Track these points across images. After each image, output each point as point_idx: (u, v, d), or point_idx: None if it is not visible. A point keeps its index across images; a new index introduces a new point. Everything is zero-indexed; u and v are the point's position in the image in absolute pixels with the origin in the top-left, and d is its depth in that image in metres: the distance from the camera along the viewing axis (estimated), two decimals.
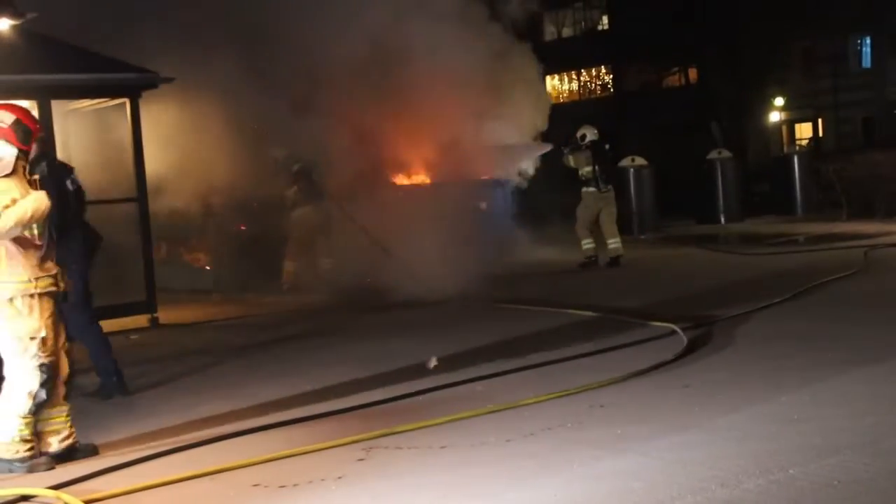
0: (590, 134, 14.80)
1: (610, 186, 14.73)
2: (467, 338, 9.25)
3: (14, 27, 8.73)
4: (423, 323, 10.66)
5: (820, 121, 37.56)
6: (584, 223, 14.68)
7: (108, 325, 11.12)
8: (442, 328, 10.13)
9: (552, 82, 39.44)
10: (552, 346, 8.48)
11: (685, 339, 8.22)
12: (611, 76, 41.95)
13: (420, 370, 7.88)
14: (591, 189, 14.61)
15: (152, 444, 6.21)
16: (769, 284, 11.35)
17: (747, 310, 9.58)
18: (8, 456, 5.79)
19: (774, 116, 36.97)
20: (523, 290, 12.63)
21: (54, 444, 5.95)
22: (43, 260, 5.87)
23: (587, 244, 14.62)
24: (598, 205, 14.63)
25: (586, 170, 14.60)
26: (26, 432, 5.81)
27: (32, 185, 5.89)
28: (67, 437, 5.99)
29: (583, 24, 42.39)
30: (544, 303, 11.11)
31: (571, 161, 14.81)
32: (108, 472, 5.66)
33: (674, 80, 38.60)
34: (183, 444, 6.12)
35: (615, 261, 14.60)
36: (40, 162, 6.38)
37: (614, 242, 14.65)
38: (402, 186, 15.51)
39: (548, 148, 15.81)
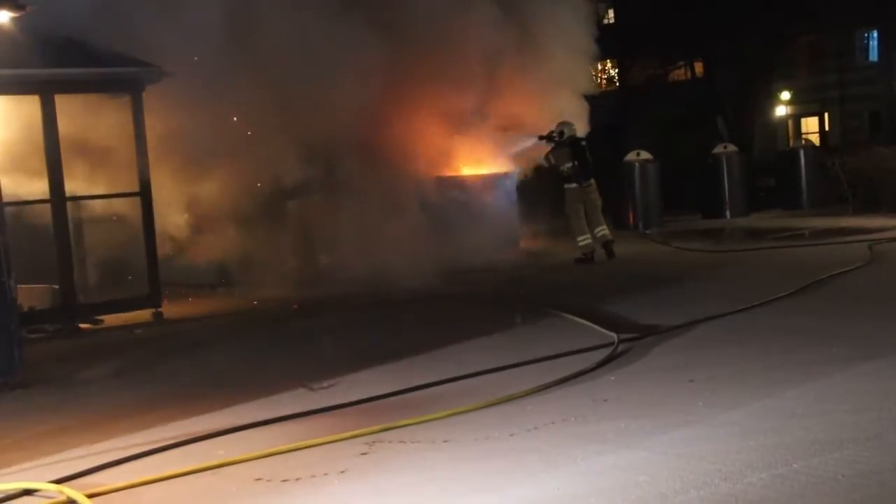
0: (567, 130, 14.78)
1: (591, 181, 14.70)
2: (471, 333, 9.25)
3: (14, 20, 8.70)
4: (425, 318, 10.65)
5: (826, 115, 37.44)
6: (575, 220, 14.68)
7: (112, 319, 11.23)
8: (446, 323, 10.12)
9: None
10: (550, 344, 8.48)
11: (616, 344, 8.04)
12: (616, 70, 41.84)
13: (423, 364, 7.88)
14: (573, 185, 14.62)
15: (155, 438, 6.20)
16: (773, 279, 11.31)
17: (752, 304, 9.55)
18: None
19: (780, 111, 36.85)
20: (523, 286, 12.63)
21: None
22: None
23: (583, 240, 14.61)
24: (581, 199, 14.62)
25: (567, 166, 14.62)
26: None
27: None
28: None
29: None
30: (544, 302, 11.08)
31: (552, 159, 14.83)
32: (111, 467, 5.67)
33: (679, 74, 38.46)
34: (185, 438, 6.12)
35: (608, 246, 14.62)
36: None
37: (602, 230, 14.69)
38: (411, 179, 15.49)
39: (532, 140, 15.78)
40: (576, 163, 14.54)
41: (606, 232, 14.71)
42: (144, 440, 6.18)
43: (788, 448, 5.11)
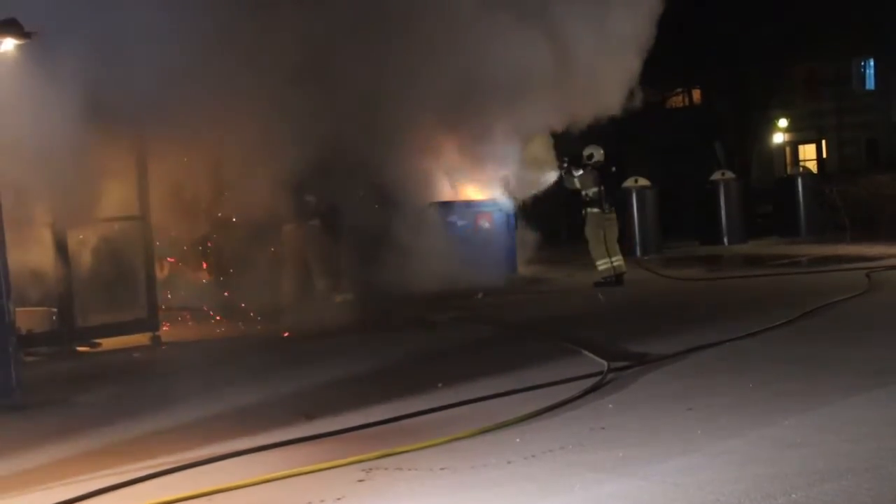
0: (597, 154, 14.86)
1: (614, 208, 14.85)
2: (466, 360, 9.24)
3: (19, 47, 8.76)
4: (421, 344, 10.64)
5: (824, 142, 37.58)
6: (596, 244, 14.74)
7: (109, 342, 11.21)
8: (441, 350, 10.11)
9: None
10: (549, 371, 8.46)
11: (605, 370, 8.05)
12: None
13: (420, 389, 7.85)
14: (596, 210, 14.68)
15: (149, 462, 6.17)
16: (772, 307, 11.31)
17: (750, 332, 9.55)
18: None
19: (778, 138, 37.00)
20: (519, 312, 12.62)
21: None
22: None
23: (602, 264, 14.66)
24: (602, 225, 14.70)
25: (593, 190, 14.68)
26: None
27: None
28: None
29: None
30: (547, 330, 11.08)
31: (577, 183, 14.85)
32: (107, 492, 5.63)
33: (677, 100, 38.63)
34: (180, 463, 6.08)
35: (619, 278, 14.71)
36: None
37: (618, 260, 14.81)
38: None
39: (553, 177, 15.86)
40: (602, 188, 14.63)
41: (621, 263, 14.83)
42: (140, 465, 6.13)
43: (787, 478, 5.09)
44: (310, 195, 13.93)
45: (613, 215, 14.87)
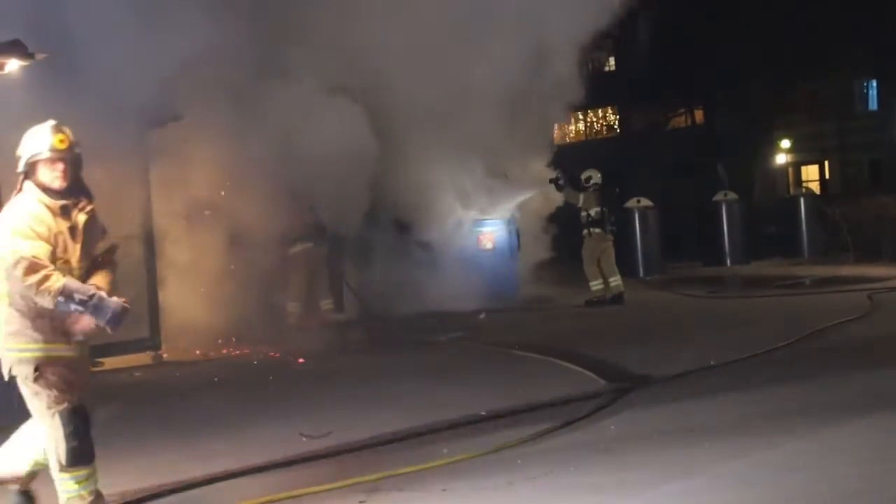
0: (595, 177, 15.07)
1: (614, 229, 15.00)
2: (468, 380, 9.23)
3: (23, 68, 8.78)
4: (421, 364, 10.62)
5: (826, 163, 37.63)
6: (591, 263, 14.87)
7: (112, 362, 11.19)
8: (444, 370, 10.09)
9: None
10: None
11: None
12: (617, 117, 42.07)
13: (420, 410, 7.84)
14: (598, 230, 14.81)
15: (147, 483, 6.15)
16: (774, 328, 11.30)
17: (752, 353, 9.53)
18: None
19: (781, 158, 37.05)
20: (521, 332, 12.61)
21: None
22: None
23: (596, 284, 14.83)
24: (601, 245, 14.80)
25: (595, 210, 14.84)
26: None
27: None
28: None
29: (589, 65, 42.47)
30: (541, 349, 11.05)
31: (581, 200, 14.96)
32: None
33: (680, 121, 38.72)
34: (180, 484, 6.07)
35: (618, 297, 14.83)
36: None
37: (615, 280, 14.97)
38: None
39: (537, 189, 15.97)
40: (604, 209, 14.78)
41: (619, 283, 14.98)
42: (140, 485, 6.13)
43: (790, 501, 5.08)
44: (319, 217, 13.95)
45: (612, 236, 15.03)
